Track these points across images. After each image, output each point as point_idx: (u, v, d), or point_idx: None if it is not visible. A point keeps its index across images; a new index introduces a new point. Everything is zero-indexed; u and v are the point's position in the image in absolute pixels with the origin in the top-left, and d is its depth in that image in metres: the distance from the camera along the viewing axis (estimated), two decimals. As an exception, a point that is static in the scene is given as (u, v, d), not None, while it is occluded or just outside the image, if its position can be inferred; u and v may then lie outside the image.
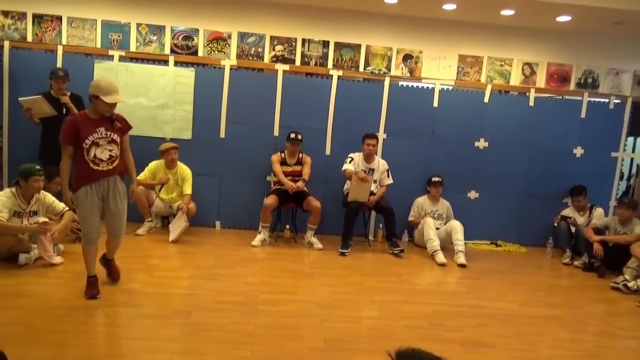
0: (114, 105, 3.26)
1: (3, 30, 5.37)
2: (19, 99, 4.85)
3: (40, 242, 3.86)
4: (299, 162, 5.30)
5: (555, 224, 5.68)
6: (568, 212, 5.69)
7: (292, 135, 5.19)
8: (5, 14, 5.37)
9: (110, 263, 3.64)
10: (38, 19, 5.39)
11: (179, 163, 5.24)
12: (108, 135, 3.27)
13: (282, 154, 5.31)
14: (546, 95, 5.95)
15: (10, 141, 5.34)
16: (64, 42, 5.41)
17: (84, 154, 3.20)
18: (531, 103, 5.83)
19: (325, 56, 5.70)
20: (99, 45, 5.46)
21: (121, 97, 3.30)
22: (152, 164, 5.19)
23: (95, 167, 3.24)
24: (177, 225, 4.95)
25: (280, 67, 5.58)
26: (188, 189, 5.19)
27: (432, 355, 1.16)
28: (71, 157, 3.25)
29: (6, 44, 5.27)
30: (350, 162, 5.23)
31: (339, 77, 5.64)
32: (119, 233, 3.48)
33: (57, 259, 3.94)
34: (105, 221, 3.42)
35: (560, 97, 5.97)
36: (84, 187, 3.24)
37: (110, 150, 3.29)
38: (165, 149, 5.15)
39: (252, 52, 5.63)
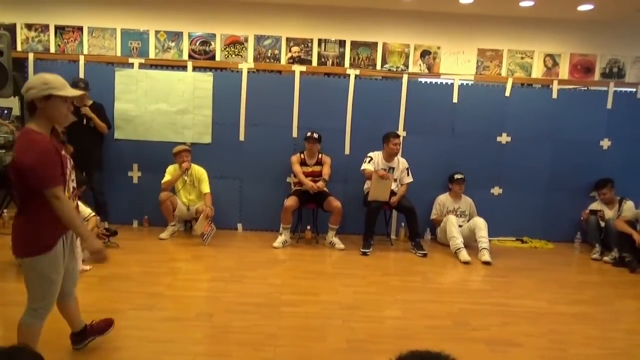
0: (70, 106, 2.29)
1: (27, 42, 5.52)
2: None
3: None
4: (319, 163, 5.29)
5: (583, 218, 5.53)
6: (596, 205, 5.53)
7: (309, 134, 5.19)
8: (29, 27, 5.52)
9: (91, 328, 2.75)
10: (60, 30, 5.53)
11: (193, 165, 5.29)
12: (69, 160, 2.35)
13: (302, 155, 5.31)
14: (570, 86, 5.80)
15: (37, 150, 5.47)
16: (85, 51, 5.53)
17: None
18: (554, 95, 5.70)
19: (342, 55, 5.68)
20: (119, 53, 5.56)
21: (76, 90, 2.35)
22: (170, 167, 5.25)
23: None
24: (201, 227, 5.02)
25: (297, 68, 5.58)
26: (206, 188, 5.23)
27: (430, 352, 1.14)
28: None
29: (30, 55, 5.41)
30: (369, 161, 5.20)
31: (356, 76, 5.61)
32: (74, 289, 2.60)
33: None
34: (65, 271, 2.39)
35: (585, 88, 5.81)
36: (60, 239, 2.28)
37: (73, 181, 2.39)
38: (177, 152, 5.21)
39: (269, 55, 5.65)
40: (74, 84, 5.01)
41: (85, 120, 4.96)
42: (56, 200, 2.14)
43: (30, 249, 2.20)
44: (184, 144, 5.42)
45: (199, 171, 5.30)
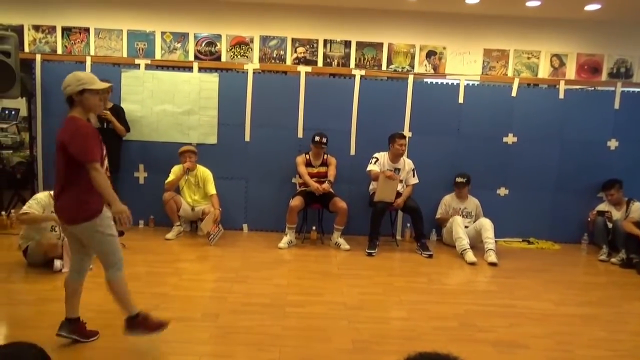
0: (103, 97, 2.74)
1: (34, 44, 5.56)
2: None
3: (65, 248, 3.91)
4: (324, 164, 5.29)
5: (590, 219, 5.50)
6: (604, 206, 5.49)
7: (317, 138, 5.17)
8: (36, 28, 5.55)
9: (77, 323, 2.82)
10: (67, 31, 5.56)
11: (198, 166, 5.29)
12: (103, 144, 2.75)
13: (307, 156, 5.31)
14: (577, 87, 5.76)
15: (44, 151, 5.51)
16: (92, 52, 5.56)
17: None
18: (561, 95, 5.66)
19: (347, 56, 5.68)
20: (125, 54, 5.58)
21: (105, 83, 2.76)
22: (175, 167, 5.26)
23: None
24: (208, 225, 5.03)
25: (303, 69, 5.59)
26: (212, 189, 5.24)
27: (439, 353, 1.13)
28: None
29: (38, 57, 5.44)
30: (375, 162, 5.19)
31: (361, 76, 5.60)
32: (86, 272, 2.90)
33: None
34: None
35: (592, 89, 5.77)
36: (105, 206, 2.66)
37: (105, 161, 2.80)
38: (181, 152, 5.22)
39: (275, 55, 5.66)
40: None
41: (105, 124, 4.98)
42: (95, 172, 2.53)
43: (88, 213, 2.60)
44: (190, 144, 5.43)
45: (204, 172, 5.31)
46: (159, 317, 2.84)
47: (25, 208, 3.97)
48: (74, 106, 2.62)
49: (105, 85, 2.73)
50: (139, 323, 2.74)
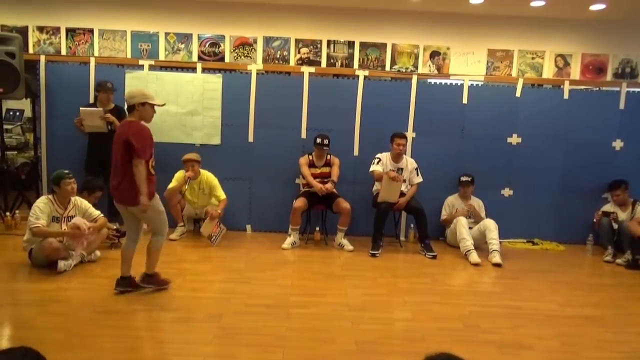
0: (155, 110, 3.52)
1: (39, 45, 5.58)
2: (80, 108, 4.99)
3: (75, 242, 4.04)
4: (327, 164, 5.29)
5: (595, 220, 5.47)
6: (609, 207, 5.46)
7: (319, 140, 5.16)
8: (41, 29, 5.58)
9: (154, 276, 3.65)
10: (71, 32, 5.58)
11: (203, 171, 5.26)
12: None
13: (310, 157, 5.30)
14: (582, 87, 5.74)
15: (49, 152, 5.53)
16: (96, 54, 5.58)
17: (149, 165, 3.38)
18: (565, 96, 5.64)
19: (351, 57, 5.67)
20: (129, 55, 5.60)
21: (162, 100, 3.66)
22: (179, 174, 5.17)
23: (154, 176, 3.46)
24: (208, 229, 5.03)
25: (306, 70, 5.58)
26: (222, 194, 5.22)
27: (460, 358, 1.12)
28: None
29: (42, 58, 5.46)
30: (378, 162, 5.18)
31: (365, 77, 5.59)
32: (137, 242, 3.64)
33: (97, 252, 4.34)
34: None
35: (597, 89, 5.75)
36: (155, 192, 3.47)
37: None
38: (185, 160, 5.13)
39: (278, 56, 5.66)
40: (100, 85, 5.07)
41: (108, 125, 4.98)
42: (140, 165, 3.28)
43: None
44: (194, 145, 5.42)
45: (209, 178, 5.26)
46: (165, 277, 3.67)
47: (33, 220, 3.94)
48: (133, 113, 3.40)
49: (161, 103, 3.53)
50: (153, 280, 3.60)
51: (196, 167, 5.17)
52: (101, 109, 4.98)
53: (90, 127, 4.98)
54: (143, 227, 3.70)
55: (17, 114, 6.89)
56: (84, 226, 4.02)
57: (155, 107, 3.48)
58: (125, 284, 3.55)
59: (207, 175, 5.29)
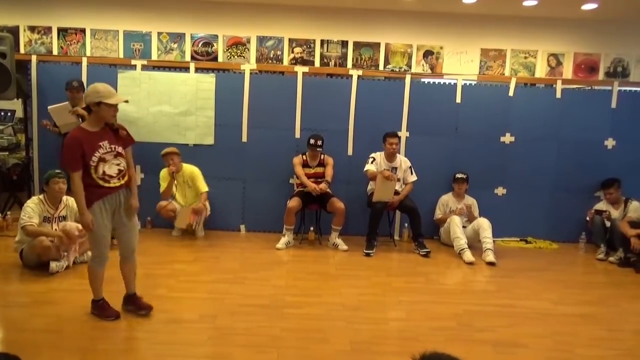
0: (117, 109, 3.02)
1: (30, 45, 5.53)
2: (48, 107, 4.96)
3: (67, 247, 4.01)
4: (321, 164, 5.28)
5: (588, 219, 5.49)
6: (602, 206, 5.49)
7: (312, 142, 5.14)
8: (32, 29, 5.53)
9: (136, 298, 3.29)
10: (63, 32, 5.54)
11: (184, 165, 5.23)
12: (113, 149, 3.01)
13: (304, 156, 5.29)
14: (574, 86, 5.76)
15: (40, 152, 5.48)
16: (88, 53, 5.54)
17: (91, 173, 2.94)
18: (558, 95, 5.66)
19: (344, 56, 5.67)
20: (121, 55, 5.56)
21: (122, 96, 3.12)
22: (163, 173, 5.18)
23: (106, 185, 2.99)
24: (184, 217, 5.05)
25: (300, 69, 5.57)
26: (204, 186, 5.20)
27: (456, 358, 1.12)
28: (81, 177, 2.93)
29: (33, 58, 5.42)
30: (372, 162, 5.18)
31: (359, 76, 5.59)
32: (133, 247, 3.24)
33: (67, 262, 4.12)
34: (117, 238, 3.21)
35: (589, 88, 5.78)
36: (97, 202, 2.97)
37: (118, 165, 3.04)
38: (164, 154, 5.13)
39: (272, 56, 5.65)
40: (67, 84, 5.02)
41: (81, 120, 4.92)
42: (75, 179, 2.91)
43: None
44: (192, 146, 5.42)
45: (191, 170, 5.24)
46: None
47: (26, 219, 3.93)
48: (90, 115, 2.98)
49: (121, 100, 3.04)
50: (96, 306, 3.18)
51: (176, 159, 5.14)
52: (67, 102, 4.92)
53: (65, 125, 4.89)
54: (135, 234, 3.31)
55: (9, 114, 6.82)
56: (76, 233, 3.98)
57: (123, 105, 3.12)
58: (127, 301, 3.31)
59: (189, 168, 5.27)
